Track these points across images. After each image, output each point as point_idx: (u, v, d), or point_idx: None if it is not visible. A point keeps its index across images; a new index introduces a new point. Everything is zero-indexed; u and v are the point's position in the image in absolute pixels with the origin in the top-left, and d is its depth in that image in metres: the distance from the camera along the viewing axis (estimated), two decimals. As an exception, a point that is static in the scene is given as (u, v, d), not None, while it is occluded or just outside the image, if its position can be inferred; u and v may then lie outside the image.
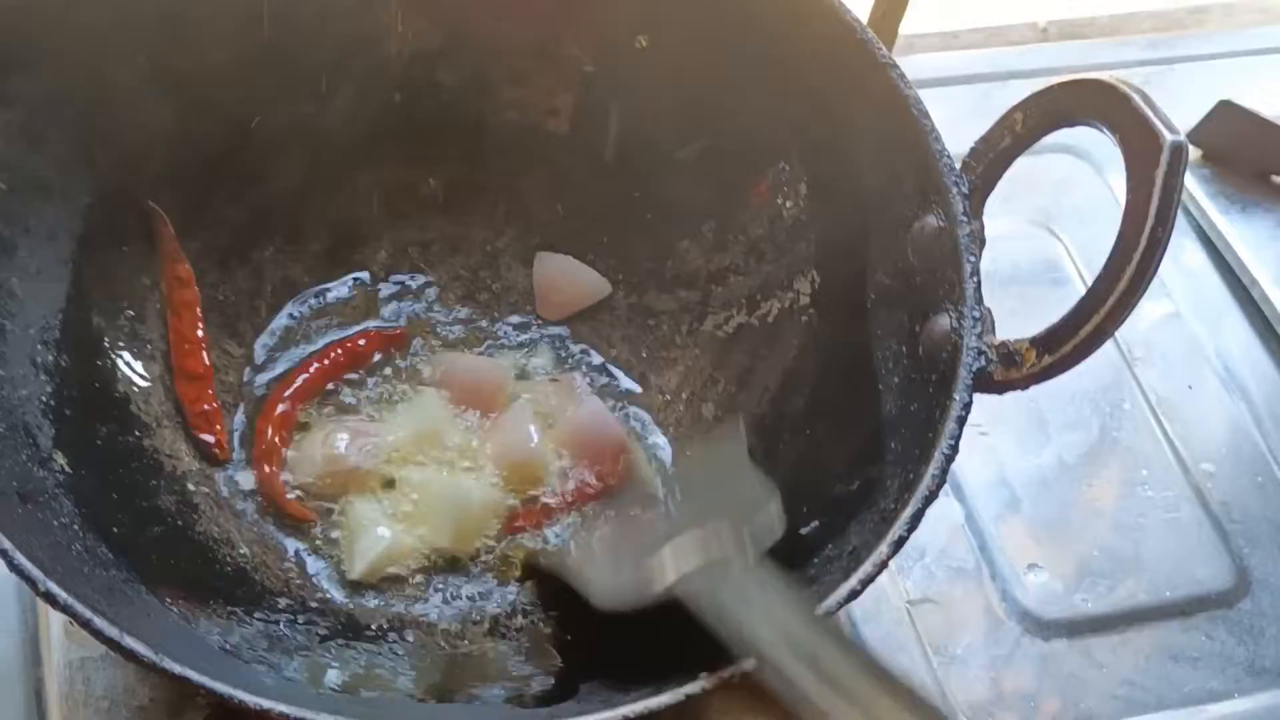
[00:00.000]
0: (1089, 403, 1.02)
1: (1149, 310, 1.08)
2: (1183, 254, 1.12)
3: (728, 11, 0.84)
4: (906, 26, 1.17)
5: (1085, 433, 1.01)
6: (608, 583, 0.71)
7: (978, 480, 0.97)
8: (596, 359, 0.93)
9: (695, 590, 0.63)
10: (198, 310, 0.87)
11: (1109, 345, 1.03)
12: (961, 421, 0.68)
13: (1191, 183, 1.14)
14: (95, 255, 0.82)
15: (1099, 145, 1.11)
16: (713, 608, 0.61)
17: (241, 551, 0.80)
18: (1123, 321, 0.68)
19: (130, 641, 0.59)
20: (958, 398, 0.68)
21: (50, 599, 0.60)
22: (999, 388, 0.71)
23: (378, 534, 0.82)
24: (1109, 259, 0.67)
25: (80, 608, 0.59)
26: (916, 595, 0.91)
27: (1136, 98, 0.67)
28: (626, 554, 0.72)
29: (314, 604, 0.80)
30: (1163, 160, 0.65)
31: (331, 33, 0.87)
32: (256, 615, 0.75)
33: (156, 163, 0.85)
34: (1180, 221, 1.12)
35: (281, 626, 0.76)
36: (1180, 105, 1.10)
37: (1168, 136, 0.65)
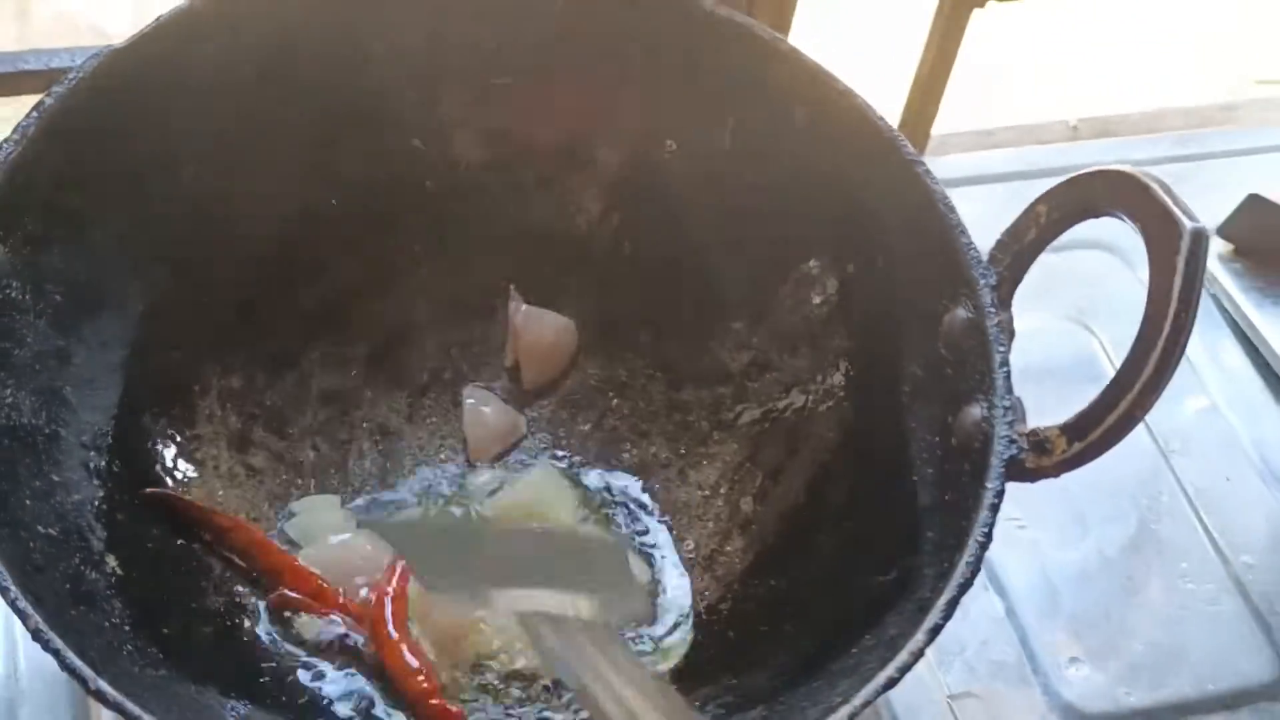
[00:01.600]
0: (1127, 496, 1.03)
1: (1184, 403, 1.09)
2: (1217, 347, 1.13)
3: (753, 116, 0.87)
4: (939, 125, 1.19)
5: (1124, 526, 1.01)
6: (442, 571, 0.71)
7: (1017, 574, 0.97)
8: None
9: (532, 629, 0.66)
10: (269, 543, 0.86)
11: (1145, 438, 1.05)
12: (995, 509, 0.69)
13: (1224, 277, 1.15)
14: (146, 362, 0.83)
15: (1130, 240, 1.13)
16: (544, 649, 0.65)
17: (288, 651, 0.81)
18: (1150, 406, 0.68)
19: (178, 739, 0.60)
20: (990, 486, 0.69)
21: (100, 697, 0.61)
22: (1031, 476, 0.71)
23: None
24: (1134, 345, 0.68)
25: (131, 705, 0.60)
26: (958, 689, 0.92)
27: (1156, 187, 0.68)
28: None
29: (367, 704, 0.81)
30: (1183, 246, 0.66)
31: (381, 145, 0.90)
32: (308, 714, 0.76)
33: (203, 271, 0.87)
34: (1214, 315, 1.14)
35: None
36: (1211, 200, 1.12)
37: (1187, 224, 0.66)
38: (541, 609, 0.66)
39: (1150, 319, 0.67)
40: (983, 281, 0.75)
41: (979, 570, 0.67)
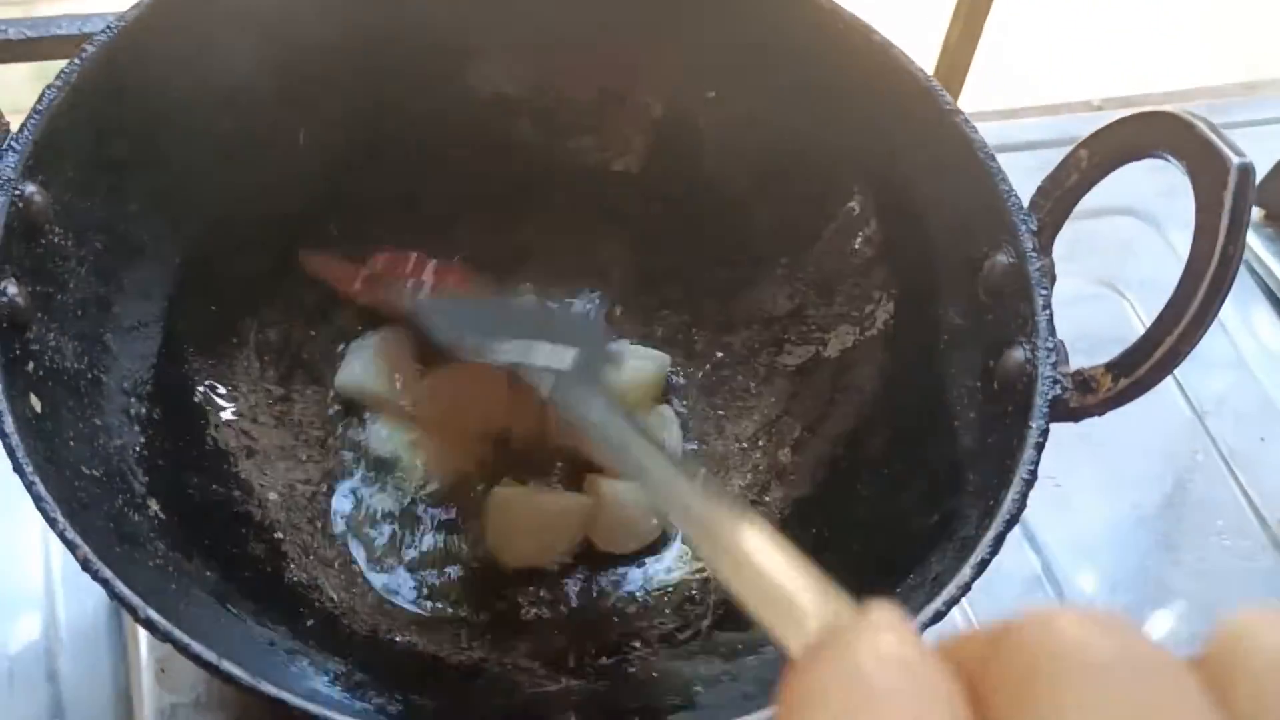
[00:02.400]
0: (1162, 456, 1.03)
1: (1218, 366, 1.09)
2: (1250, 311, 1.13)
3: (792, 65, 0.86)
4: (964, 104, 1.19)
5: (1160, 485, 1.01)
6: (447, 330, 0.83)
7: (1053, 532, 0.97)
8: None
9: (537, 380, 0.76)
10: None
11: (1179, 400, 1.05)
12: (1039, 448, 0.68)
13: (1256, 242, 1.15)
14: (185, 313, 0.84)
15: (1160, 205, 1.14)
16: (554, 392, 0.74)
17: (330, 596, 0.82)
18: (1196, 342, 0.68)
19: (228, 665, 0.60)
20: (1035, 425, 0.69)
21: (150, 625, 0.61)
22: (1075, 415, 0.71)
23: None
24: (1181, 281, 0.68)
25: (179, 633, 0.60)
26: (996, 644, 0.91)
27: (1201, 125, 0.68)
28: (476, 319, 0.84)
29: (403, 644, 0.81)
30: (1230, 181, 0.66)
31: (420, 97, 0.90)
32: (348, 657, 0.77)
33: (240, 224, 0.87)
34: (1246, 280, 1.14)
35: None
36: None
37: (1234, 159, 0.66)
38: (532, 360, 0.77)
39: (1197, 255, 0.67)
40: (1024, 227, 0.75)
41: (1024, 507, 0.67)
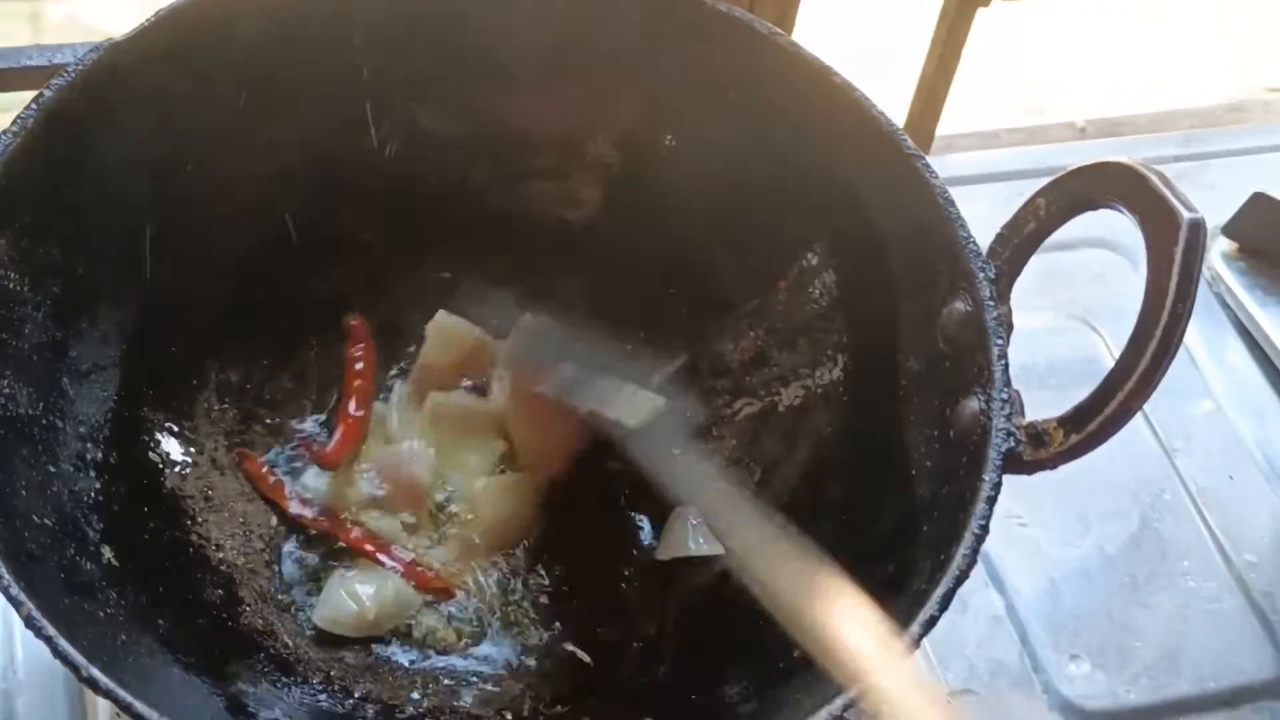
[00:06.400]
0: (1129, 494, 1.03)
1: (1188, 402, 1.09)
2: (1221, 346, 1.13)
3: (752, 110, 0.86)
4: (946, 127, 1.19)
5: (1126, 524, 1.01)
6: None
7: (1018, 571, 0.97)
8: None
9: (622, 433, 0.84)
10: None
11: (1148, 436, 1.05)
12: (991, 502, 0.68)
13: (1228, 275, 1.15)
14: (144, 356, 0.84)
15: (1135, 238, 1.12)
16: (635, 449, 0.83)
17: (285, 642, 0.81)
18: (1146, 398, 0.68)
19: (169, 725, 0.60)
20: (987, 478, 0.69)
21: (92, 684, 0.60)
22: (1028, 468, 0.71)
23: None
24: (1131, 337, 0.67)
25: (121, 692, 0.60)
26: (958, 686, 0.91)
27: (1154, 178, 0.68)
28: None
29: (357, 693, 0.81)
30: (1181, 238, 0.65)
31: (376, 140, 0.90)
32: (303, 703, 0.76)
33: (200, 266, 0.87)
34: (1218, 314, 1.14)
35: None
36: (1216, 199, 1.12)
37: (1185, 215, 0.66)
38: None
39: (1147, 311, 0.67)
40: (981, 275, 0.74)
41: (975, 563, 0.67)
